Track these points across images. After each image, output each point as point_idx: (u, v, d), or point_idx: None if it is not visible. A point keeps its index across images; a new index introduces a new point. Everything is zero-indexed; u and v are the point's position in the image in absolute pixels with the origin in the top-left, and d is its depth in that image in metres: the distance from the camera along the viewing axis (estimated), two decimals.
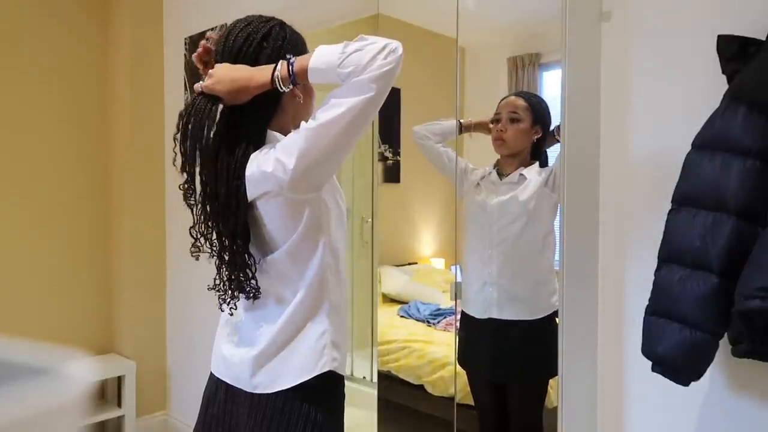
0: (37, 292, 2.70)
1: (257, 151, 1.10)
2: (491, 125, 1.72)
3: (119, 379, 2.77)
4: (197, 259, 1.18)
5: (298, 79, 1.07)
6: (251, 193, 1.09)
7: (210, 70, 1.12)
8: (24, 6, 2.63)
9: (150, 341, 2.88)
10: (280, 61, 1.08)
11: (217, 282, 1.18)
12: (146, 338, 2.87)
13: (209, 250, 1.16)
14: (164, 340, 2.93)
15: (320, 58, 1.05)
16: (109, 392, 2.84)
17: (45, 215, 2.72)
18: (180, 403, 2.88)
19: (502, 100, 1.72)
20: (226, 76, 1.09)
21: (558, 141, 1.58)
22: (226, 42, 1.15)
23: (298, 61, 1.07)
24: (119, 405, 2.76)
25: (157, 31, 2.88)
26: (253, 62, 1.12)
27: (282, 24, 1.19)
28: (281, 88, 1.08)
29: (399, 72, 1.03)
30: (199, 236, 1.16)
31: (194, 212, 1.16)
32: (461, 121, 1.77)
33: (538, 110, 1.68)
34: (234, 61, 1.13)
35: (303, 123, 1.06)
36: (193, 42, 2.70)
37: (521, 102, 1.69)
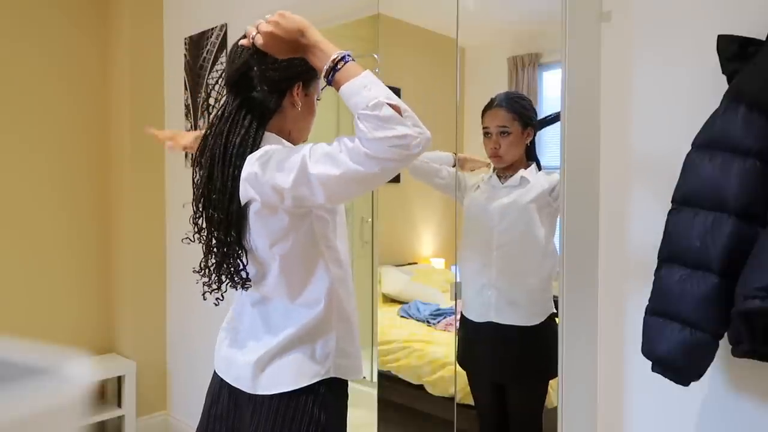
0: (37, 292, 2.70)
1: (256, 152, 1.10)
2: (483, 138, 1.72)
3: (119, 379, 2.77)
4: (190, 243, 1.18)
5: (334, 83, 1.01)
6: (244, 193, 1.08)
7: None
8: (24, 5, 2.63)
9: (150, 341, 2.88)
10: (342, 54, 1.00)
11: (203, 266, 1.17)
12: (146, 338, 2.87)
13: (198, 236, 1.17)
14: (164, 340, 2.93)
15: (365, 85, 0.98)
16: (109, 392, 2.84)
17: (45, 216, 2.72)
18: (180, 403, 2.88)
19: (487, 109, 1.72)
20: (294, 22, 1.01)
21: (549, 122, 1.59)
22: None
23: (346, 69, 0.99)
24: (119, 405, 2.76)
25: (157, 31, 2.88)
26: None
27: None
28: (325, 76, 1.01)
29: (407, 163, 0.97)
30: (193, 224, 1.16)
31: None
32: (459, 155, 1.78)
33: (524, 114, 1.67)
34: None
35: (306, 150, 1.00)
36: (193, 42, 2.70)
37: (506, 113, 1.68)
